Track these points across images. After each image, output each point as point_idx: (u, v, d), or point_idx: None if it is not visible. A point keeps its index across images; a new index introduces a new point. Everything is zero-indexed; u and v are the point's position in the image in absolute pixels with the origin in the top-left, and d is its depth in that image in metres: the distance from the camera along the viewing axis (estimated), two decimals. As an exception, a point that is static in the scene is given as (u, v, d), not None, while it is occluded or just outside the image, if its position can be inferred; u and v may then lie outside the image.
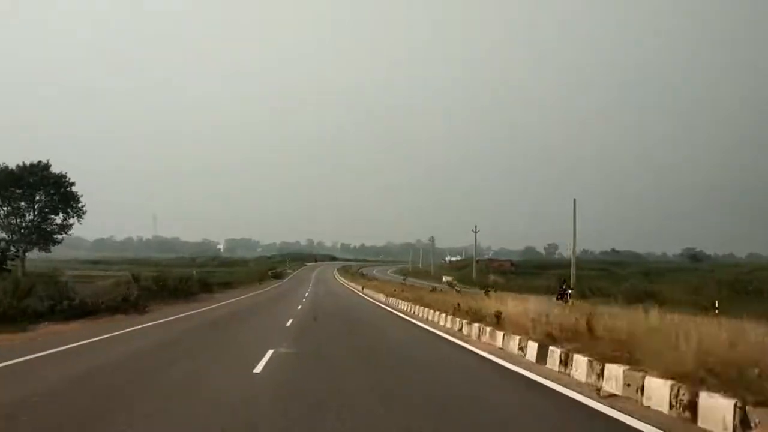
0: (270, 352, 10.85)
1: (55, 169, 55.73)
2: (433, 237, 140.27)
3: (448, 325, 16.88)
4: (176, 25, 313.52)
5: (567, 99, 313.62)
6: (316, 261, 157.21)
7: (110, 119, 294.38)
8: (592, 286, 36.67)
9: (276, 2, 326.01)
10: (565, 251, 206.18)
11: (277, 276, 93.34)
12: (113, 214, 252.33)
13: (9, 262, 27.63)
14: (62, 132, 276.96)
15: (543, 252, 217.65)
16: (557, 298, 24.90)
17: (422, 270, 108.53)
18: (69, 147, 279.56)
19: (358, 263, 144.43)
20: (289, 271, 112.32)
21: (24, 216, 55.16)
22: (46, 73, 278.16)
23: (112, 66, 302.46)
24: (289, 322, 19.22)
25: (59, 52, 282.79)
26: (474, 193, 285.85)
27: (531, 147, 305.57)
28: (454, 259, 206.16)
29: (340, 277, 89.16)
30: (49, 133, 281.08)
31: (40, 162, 55.39)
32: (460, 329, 15.23)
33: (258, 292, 51.31)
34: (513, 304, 13.92)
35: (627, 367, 6.92)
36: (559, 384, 7.77)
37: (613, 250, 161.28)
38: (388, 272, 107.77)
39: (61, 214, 56.66)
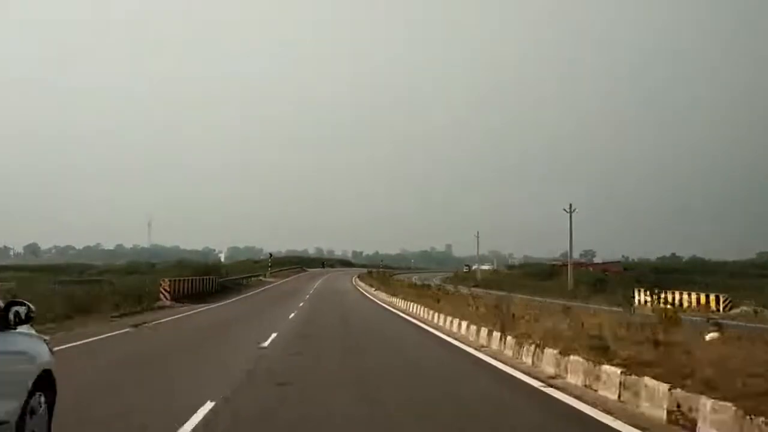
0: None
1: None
2: (470, 237, 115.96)
3: None
4: (173, 23, 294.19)
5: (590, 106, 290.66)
6: (323, 266, 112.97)
7: (107, 120, 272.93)
8: None
9: (274, 5, 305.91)
10: (602, 258, 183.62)
11: (209, 293, 37.55)
12: (110, 222, 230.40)
13: None
14: (57, 132, 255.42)
15: (580, 258, 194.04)
16: None
17: (483, 280, 74.11)
18: (63, 148, 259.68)
19: (384, 271, 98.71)
20: (268, 279, 64.92)
21: None
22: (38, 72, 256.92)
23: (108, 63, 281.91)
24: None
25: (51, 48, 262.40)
26: (491, 202, 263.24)
27: (548, 151, 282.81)
28: (485, 267, 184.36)
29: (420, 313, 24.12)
30: (44, 133, 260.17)
31: None
32: None
33: None
34: None
35: None
36: None
37: (674, 254, 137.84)
38: (435, 280, 67.69)
39: None
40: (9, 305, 4.46)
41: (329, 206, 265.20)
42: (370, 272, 79.52)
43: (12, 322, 4.43)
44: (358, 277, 71.96)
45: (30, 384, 4.53)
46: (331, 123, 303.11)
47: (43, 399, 4.80)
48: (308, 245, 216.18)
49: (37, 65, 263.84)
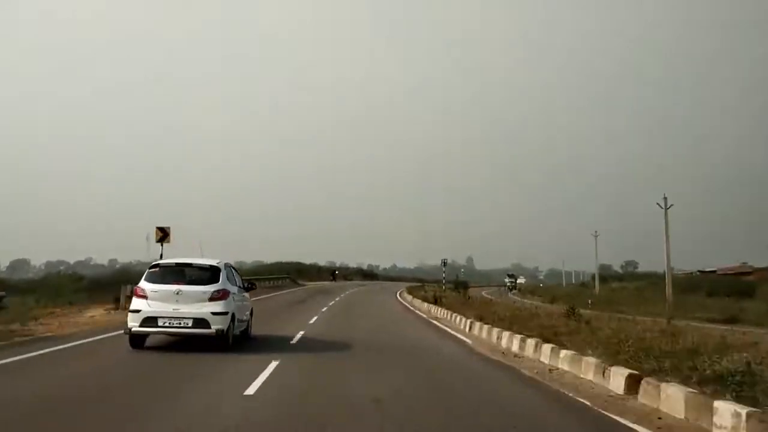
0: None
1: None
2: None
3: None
4: (170, 22, 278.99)
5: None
6: (334, 277, 77.52)
7: (102, 122, 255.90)
8: None
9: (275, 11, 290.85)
10: (646, 267, 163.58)
11: None
12: (107, 234, 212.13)
13: None
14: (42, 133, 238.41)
15: (620, 270, 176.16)
16: None
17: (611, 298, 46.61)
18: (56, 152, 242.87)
19: (413, 283, 73.87)
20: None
21: None
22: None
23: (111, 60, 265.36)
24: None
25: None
26: (510, 212, 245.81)
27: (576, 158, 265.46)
28: (521, 280, 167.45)
29: None
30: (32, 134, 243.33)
31: None
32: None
33: None
34: None
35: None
36: None
37: (745, 263, 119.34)
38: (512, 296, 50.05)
39: None
40: (246, 283, 14.67)
41: (341, 218, 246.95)
42: (462, 286, 50.15)
43: (246, 289, 14.16)
44: (431, 303, 28.70)
45: (250, 310, 14.16)
46: (344, 138, 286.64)
47: (251, 317, 14.32)
48: (319, 259, 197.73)
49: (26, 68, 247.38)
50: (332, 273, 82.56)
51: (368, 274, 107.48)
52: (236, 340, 12.29)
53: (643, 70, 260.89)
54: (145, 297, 11.42)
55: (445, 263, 54.24)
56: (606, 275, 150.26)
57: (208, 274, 11.85)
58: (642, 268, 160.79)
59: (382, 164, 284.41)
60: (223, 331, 11.29)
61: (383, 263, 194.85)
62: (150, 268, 12.17)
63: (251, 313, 14.24)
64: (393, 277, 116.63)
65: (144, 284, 11.63)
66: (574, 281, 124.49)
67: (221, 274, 11.95)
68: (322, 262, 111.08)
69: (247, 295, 14.04)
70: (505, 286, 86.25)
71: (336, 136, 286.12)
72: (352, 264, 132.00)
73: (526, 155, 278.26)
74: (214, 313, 11.29)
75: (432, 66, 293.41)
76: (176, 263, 12.42)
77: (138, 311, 11.32)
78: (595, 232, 70.79)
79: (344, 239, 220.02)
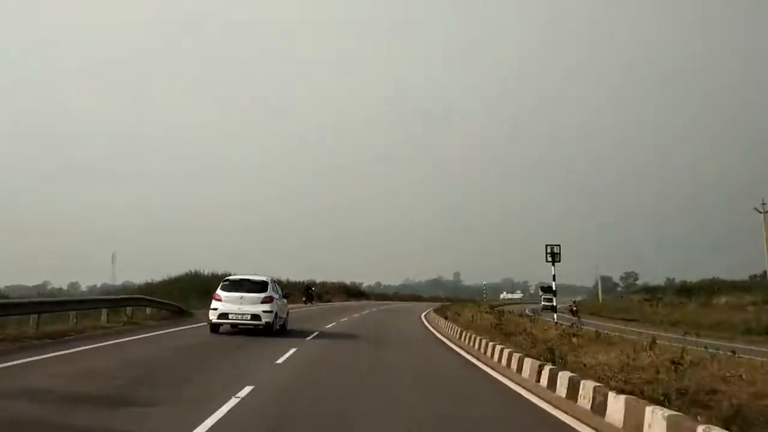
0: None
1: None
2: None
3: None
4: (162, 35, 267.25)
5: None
6: (308, 299, 51.31)
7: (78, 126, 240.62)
8: None
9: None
10: (644, 279, 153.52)
11: None
12: (72, 256, 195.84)
13: None
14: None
15: (620, 282, 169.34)
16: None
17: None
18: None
19: (428, 303, 68.21)
20: None
21: None
22: None
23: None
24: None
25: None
26: (497, 225, 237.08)
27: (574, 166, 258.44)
28: (515, 295, 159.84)
29: None
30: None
31: None
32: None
33: None
34: None
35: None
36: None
37: None
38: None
39: None
40: (283, 293, 20.88)
41: (319, 233, 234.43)
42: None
43: (285, 296, 21.14)
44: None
45: (287, 312, 20.75)
46: (331, 151, 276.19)
47: (287, 317, 20.90)
48: (300, 276, 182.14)
49: None
50: (306, 290, 54.44)
51: (354, 293, 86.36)
52: (277, 331, 18.34)
53: (640, 71, 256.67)
54: (220, 300, 17.62)
55: (554, 253, 27.63)
56: (609, 287, 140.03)
57: (260, 286, 18.19)
58: (641, 279, 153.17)
59: (372, 172, 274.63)
60: (269, 323, 17.62)
61: (366, 281, 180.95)
62: (223, 281, 18.70)
63: (287, 314, 20.77)
64: (387, 295, 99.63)
65: (220, 292, 17.83)
66: (576, 295, 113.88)
67: (269, 285, 18.37)
68: (304, 279, 71.72)
69: (285, 300, 20.87)
70: (543, 306, 61.34)
71: (324, 140, 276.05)
72: (334, 280, 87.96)
73: (516, 168, 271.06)
74: (264, 312, 17.55)
75: (425, 74, 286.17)
76: (240, 278, 18.74)
77: (216, 309, 17.52)
78: (762, 203, 51.25)
79: (322, 254, 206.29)
